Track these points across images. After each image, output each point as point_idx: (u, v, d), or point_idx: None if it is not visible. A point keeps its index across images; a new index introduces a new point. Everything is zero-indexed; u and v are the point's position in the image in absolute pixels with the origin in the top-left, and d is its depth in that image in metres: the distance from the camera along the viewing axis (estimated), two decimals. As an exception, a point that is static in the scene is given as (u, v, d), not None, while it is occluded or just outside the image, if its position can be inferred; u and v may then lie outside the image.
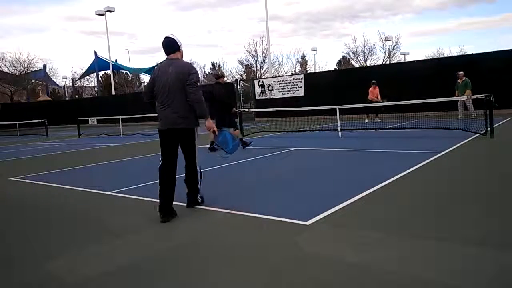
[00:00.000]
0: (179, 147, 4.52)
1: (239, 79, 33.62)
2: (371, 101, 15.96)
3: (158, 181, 4.40)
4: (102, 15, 36.30)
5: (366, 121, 15.92)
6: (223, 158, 5.40)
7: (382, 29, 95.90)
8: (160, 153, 4.51)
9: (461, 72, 14.47)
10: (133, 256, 3.41)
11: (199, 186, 4.71)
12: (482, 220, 3.77)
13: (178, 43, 4.46)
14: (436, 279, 2.64)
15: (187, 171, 4.60)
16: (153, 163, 8.93)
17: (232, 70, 50.09)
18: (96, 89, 55.58)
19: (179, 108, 4.34)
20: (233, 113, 10.25)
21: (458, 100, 13.96)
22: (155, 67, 4.81)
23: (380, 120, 15.86)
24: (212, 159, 8.71)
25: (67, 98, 52.90)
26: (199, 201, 4.76)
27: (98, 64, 50.68)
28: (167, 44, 4.45)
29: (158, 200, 4.36)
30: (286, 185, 5.64)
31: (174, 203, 4.43)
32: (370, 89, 16.54)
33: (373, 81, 16.64)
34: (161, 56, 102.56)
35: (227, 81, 31.28)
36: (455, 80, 14.58)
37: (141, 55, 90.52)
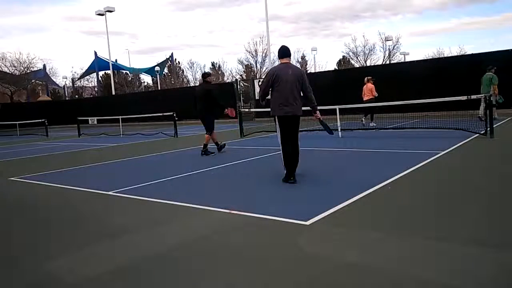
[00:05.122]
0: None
1: (239, 79, 33.63)
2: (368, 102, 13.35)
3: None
4: (102, 15, 36.30)
5: (364, 122, 13.67)
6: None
7: (382, 29, 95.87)
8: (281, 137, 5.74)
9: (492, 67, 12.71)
10: (133, 256, 3.41)
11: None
12: (482, 220, 3.77)
13: (291, 51, 5.85)
14: (436, 279, 2.64)
15: (294, 149, 5.70)
16: (153, 163, 9.00)
17: (232, 70, 50.06)
18: (96, 89, 55.62)
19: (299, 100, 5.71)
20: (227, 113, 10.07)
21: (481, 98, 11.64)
22: (272, 69, 5.87)
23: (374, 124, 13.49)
24: (209, 161, 8.70)
25: (67, 98, 52.93)
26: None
27: (98, 64, 50.80)
28: (285, 50, 5.78)
29: (158, 200, 4.98)
30: (286, 185, 5.64)
31: (173, 202, 4.68)
32: (369, 86, 13.58)
33: (368, 77, 13.75)
34: (161, 56, 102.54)
35: (228, 81, 31.18)
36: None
37: (141, 55, 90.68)
